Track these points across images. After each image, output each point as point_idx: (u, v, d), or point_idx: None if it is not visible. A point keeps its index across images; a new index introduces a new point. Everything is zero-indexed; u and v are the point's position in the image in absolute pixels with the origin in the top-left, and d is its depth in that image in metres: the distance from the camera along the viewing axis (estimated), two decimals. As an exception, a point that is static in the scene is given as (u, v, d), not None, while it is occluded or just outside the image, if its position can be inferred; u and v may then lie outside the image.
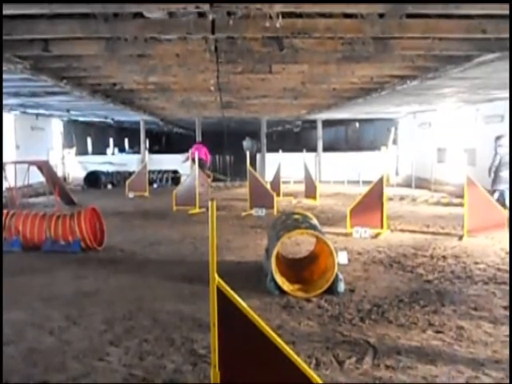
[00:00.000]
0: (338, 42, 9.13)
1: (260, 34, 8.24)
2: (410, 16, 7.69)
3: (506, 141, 16.52)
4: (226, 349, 3.54)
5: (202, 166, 27.53)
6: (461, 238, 12.74)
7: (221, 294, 3.53)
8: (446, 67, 10.82)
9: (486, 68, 10.57)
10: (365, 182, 24.01)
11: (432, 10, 7.28)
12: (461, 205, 15.30)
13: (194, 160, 26.70)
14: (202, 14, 7.46)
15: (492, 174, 16.63)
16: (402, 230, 14.04)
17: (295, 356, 3.56)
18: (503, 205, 16.53)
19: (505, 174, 16.43)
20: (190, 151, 26.56)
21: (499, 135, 16.95)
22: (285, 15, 7.48)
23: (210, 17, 7.33)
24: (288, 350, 3.54)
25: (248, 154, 19.14)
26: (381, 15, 7.60)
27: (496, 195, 16.63)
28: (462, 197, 13.80)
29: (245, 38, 8.71)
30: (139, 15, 7.73)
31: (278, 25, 6.90)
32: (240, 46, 9.03)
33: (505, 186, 16.51)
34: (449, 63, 10.58)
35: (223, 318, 3.53)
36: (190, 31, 7.79)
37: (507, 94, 16.96)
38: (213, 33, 7.66)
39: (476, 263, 10.33)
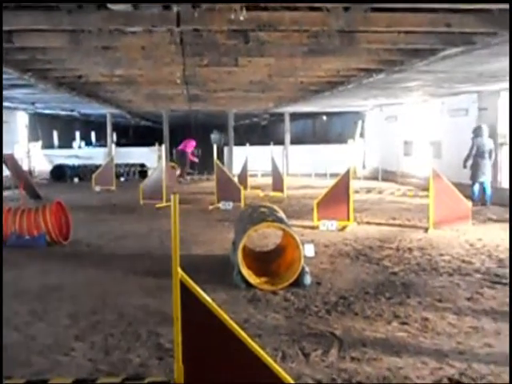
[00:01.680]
0: (304, 35, 9.13)
1: (225, 27, 8.20)
2: (374, 9, 7.73)
3: (485, 132, 16.76)
4: (190, 343, 3.52)
5: (183, 160, 27.82)
6: (426, 230, 12.86)
7: (184, 288, 3.51)
8: (411, 61, 10.90)
9: (451, 62, 10.66)
10: (332, 175, 24.10)
11: (396, 3, 7.31)
12: (426, 197, 15.43)
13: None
14: (166, 7, 7.41)
15: (468, 166, 16.84)
16: (368, 223, 14.13)
17: (260, 350, 3.56)
18: (483, 197, 16.74)
19: (483, 164, 16.65)
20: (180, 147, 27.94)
21: (477, 126, 17.14)
22: (250, 8, 7.46)
23: (175, 9, 7.29)
24: (252, 343, 3.54)
25: (215, 147, 19.12)
26: (346, 8, 7.62)
27: (476, 188, 16.79)
28: (427, 189, 13.91)
29: (210, 31, 8.68)
30: (103, 7, 7.65)
31: (241, 18, 6.89)
32: (205, 38, 9.00)
33: (485, 178, 16.69)
34: (414, 57, 10.66)
35: (187, 313, 3.51)
36: (154, 23, 7.74)
37: (471, 88, 17.16)
38: (178, 25, 7.61)
39: (441, 255, 10.43)
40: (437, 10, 7.76)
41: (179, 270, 3.51)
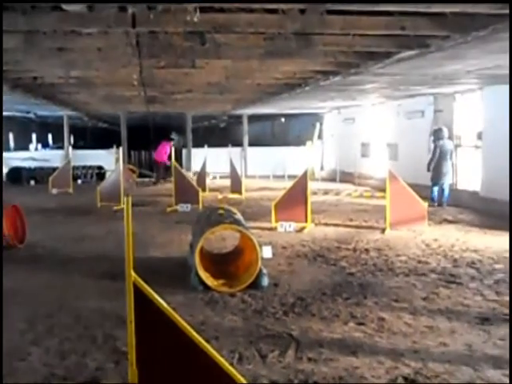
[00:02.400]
0: (260, 37, 9.13)
1: (181, 29, 8.18)
2: (330, 12, 7.75)
3: (445, 134, 16.94)
4: (144, 346, 3.51)
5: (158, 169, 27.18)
6: (383, 231, 12.99)
7: (137, 290, 3.50)
8: (367, 63, 10.96)
9: (406, 64, 10.76)
10: (290, 177, 24.18)
11: (351, 6, 7.36)
12: (383, 198, 15.58)
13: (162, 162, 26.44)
14: (122, 8, 7.36)
15: (431, 169, 16.95)
16: (325, 224, 14.22)
17: (214, 352, 3.55)
18: (441, 199, 16.85)
19: (445, 166, 16.79)
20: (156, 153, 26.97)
21: (437, 128, 17.27)
22: (206, 9, 7.45)
23: (130, 10, 7.25)
24: (207, 346, 3.54)
25: (174, 149, 19.07)
26: (302, 11, 7.64)
27: (435, 189, 16.91)
28: (384, 190, 14.04)
29: (166, 33, 8.64)
30: (58, 8, 7.56)
31: (195, 19, 6.87)
32: (162, 40, 8.95)
33: (445, 180, 16.83)
34: (369, 59, 10.71)
35: (141, 315, 3.49)
36: (109, 25, 7.67)
37: (427, 90, 17.35)
38: (133, 27, 7.56)
39: (398, 255, 10.55)
40: (391, 13, 7.81)
41: (132, 272, 3.49)
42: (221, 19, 7.71)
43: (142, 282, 3.52)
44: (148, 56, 10.53)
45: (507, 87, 14.66)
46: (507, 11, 6.83)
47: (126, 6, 7.14)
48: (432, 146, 17.37)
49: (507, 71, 12.28)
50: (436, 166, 16.90)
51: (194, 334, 3.49)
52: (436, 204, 16.75)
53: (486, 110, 16.42)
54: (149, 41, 9.17)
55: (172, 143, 25.98)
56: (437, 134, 17.10)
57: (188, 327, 3.49)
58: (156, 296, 3.50)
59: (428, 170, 17.06)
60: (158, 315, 3.45)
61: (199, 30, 8.39)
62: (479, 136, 16.67)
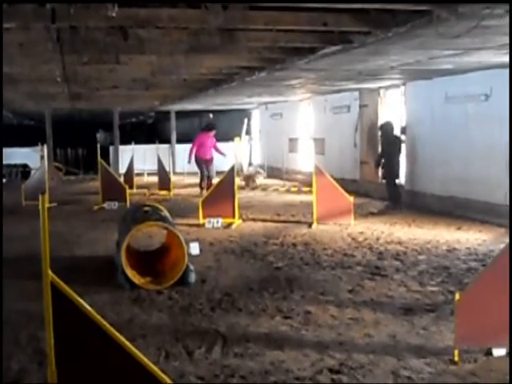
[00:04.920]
0: (184, 32, 9.09)
1: (103, 24, 8.08)
2: (253, 8, 7.77)
3: (394, 127, 16.31)
4: (65, 346, 3.46)
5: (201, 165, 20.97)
6: (310, 225, 13.12)
7: (55, 290, 3.45)
8: (292, 59, 11.03)
9: (330, 60, 10.86)
10: (218, 173, 24.17)
11: (273, 2, 7.41)
12: (311, 193, 15.71)
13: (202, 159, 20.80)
14: (41, 3, 7.21)
15: (380, 165, 16.37)
16: (253, 219, 14.28)
17: (136, 350, 3.52)
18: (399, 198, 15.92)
19: (398, 161, 16.09)
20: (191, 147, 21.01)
21: (386, 122, 16.75)
22: (129, 4, 7.37)
23: (49, 5, 7.10)
24: (127, 344, 3.50)
25: (99, 146, 18.85)
26: (224, 7, 7.63)
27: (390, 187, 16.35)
28: (311, 185, 14.15)
29: (88, 28, 8.50)
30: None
31: (114, 14, 6.79)
32: (83, 35, 8.81)
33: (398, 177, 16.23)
34: (294, 55, 10.78)
35: (59, 315, 3.44)
36: (29, 20, 7.52)
37: (352, 86, 17.57)
38: (53, 22, 7.42)
39: (324, 249, 10.67)
40: (314, 9, 7.87)
41: (50, 272, 3.44)
42: (142, 14, 7.65)
43: (60, 282, 3.46)
44: (70, 52, 10.35)
45: (428, 82, 15.04)
46: (426, 7, 6.99)
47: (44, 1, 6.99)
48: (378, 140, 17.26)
49: (427, 67, 12.58)
50: (392, 161, 15.90)
51: (115, 332, 3.46)
52: (399, 206, 15.64)
53: (409, 104, 16.73)
54: (70, 36, 9.00)
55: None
56: (387, 128, 16.22)
57: (108, 326, 3.46)
58: (75, 295, 3.45)
59: (376, 166, 16.51)
60: (78, 314, 3.41)
61: (121, 25, 8.30)
62: (403, 130, 16.85)
